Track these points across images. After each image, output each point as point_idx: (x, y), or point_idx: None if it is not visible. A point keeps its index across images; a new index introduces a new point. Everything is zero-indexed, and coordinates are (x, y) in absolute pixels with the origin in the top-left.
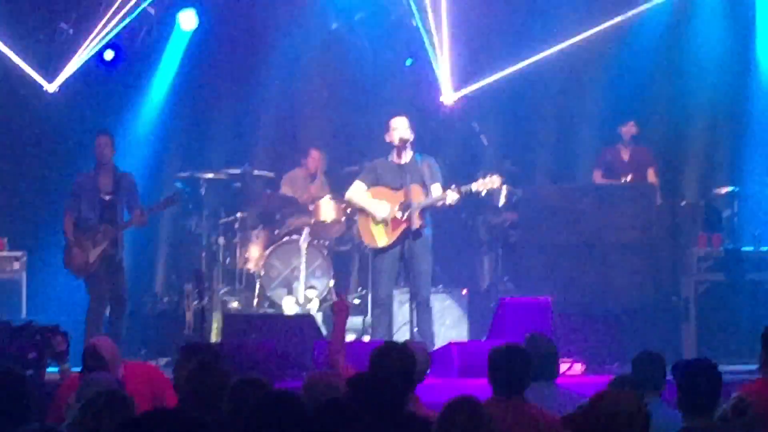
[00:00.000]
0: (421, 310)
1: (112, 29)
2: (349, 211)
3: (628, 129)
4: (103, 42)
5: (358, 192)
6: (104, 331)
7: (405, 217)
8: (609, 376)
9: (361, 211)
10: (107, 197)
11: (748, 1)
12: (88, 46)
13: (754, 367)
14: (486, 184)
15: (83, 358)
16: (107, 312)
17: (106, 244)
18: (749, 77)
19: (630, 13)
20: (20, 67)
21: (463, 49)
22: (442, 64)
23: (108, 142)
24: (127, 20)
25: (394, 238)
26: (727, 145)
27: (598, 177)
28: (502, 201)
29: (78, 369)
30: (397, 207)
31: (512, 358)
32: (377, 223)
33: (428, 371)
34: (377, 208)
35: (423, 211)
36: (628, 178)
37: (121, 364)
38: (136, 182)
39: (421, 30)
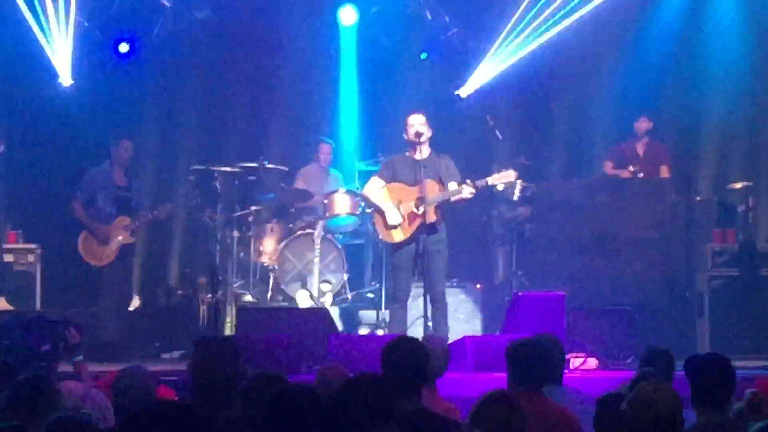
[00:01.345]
0: (436, 305)
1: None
2: (363, 204)
3: (639, 124)
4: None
5: (375, 188)
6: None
7: (421, 211)
8: (622, 371)
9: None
10: (123, 192)
11: None
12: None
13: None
14: (501, 177)
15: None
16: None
17: (127, 234)
18: (766, 71)
19: None
20: (36, 59)
21: (476, 43)
22: (454, 57)
23: (131, 147)
24: None
25: (410, 233)
26: (741, 140)
27: (608, 168)
28: (516, 195)
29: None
30: (413, 202)
31: (534, 353)
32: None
33: (447, 365)
34: (390, 215)
35: (439, 207)
36: (635, 168)
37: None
38: (145, 185)
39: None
